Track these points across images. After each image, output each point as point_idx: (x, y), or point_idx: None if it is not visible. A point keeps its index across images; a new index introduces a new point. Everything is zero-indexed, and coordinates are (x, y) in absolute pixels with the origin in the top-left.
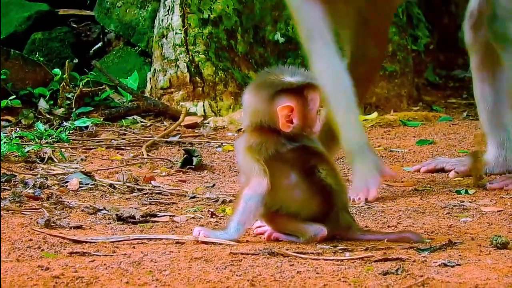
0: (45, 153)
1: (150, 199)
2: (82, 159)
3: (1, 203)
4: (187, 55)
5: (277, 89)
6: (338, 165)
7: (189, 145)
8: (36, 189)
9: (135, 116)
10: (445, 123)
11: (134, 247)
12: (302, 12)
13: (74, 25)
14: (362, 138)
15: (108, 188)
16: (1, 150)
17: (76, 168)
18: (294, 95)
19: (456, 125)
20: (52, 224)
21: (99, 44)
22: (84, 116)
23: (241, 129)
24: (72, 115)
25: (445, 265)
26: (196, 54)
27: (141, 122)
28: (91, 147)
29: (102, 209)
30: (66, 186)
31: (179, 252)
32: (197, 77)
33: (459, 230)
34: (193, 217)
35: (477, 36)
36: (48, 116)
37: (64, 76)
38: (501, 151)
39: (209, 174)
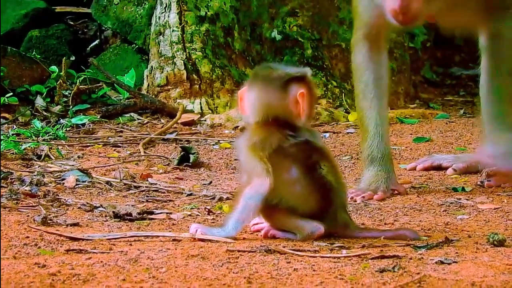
0: (42, 150)
1: (147, 196)
2: (79, 157)
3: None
4: (184, 53)
5: (286, 78)
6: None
7: (186, 142)
8: (33, 186)
9: (132, 114)
10: (442, 120)
11: (131, 245)
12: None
13: (71, 23)
14: (388, 149)
15: (105, 186)
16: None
17: (73, 165)
18: (302, 83)
19: (453, 123)
20: (49, 221)
21: (96, 42)
22: (81, 114)
23: (238, 126)
24: (69, 112)
25: (442, 262)
26: (193, 51)
27: (138, 119)
28: (88, 144)
29: (99, 207)
30: (63, 183)
31: (175, 249)
32: (194, 75)
33: (456, 228)
34: (190, 215)
35: None
36: (45, 113)
37: (61, 73)
38: (499, 148)
39: (206, 171)
